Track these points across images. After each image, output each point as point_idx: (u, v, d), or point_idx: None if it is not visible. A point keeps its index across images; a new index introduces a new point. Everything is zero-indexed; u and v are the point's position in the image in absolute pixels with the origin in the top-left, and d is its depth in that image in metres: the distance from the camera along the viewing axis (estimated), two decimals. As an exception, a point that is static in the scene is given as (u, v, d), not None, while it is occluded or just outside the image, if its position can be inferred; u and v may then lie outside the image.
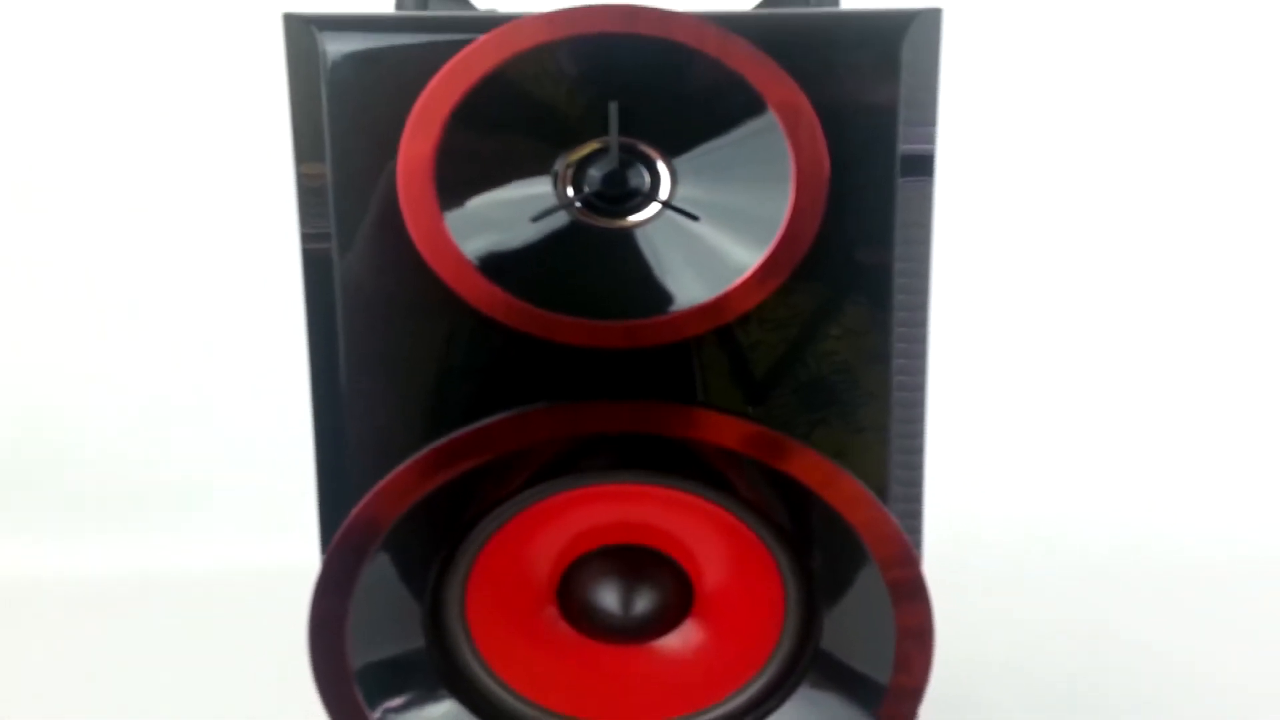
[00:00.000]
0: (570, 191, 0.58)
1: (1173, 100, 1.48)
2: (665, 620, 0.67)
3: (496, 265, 0.58)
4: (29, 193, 1.42)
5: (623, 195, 0.58)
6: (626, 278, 0.59)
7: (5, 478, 1.44)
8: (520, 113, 0.57)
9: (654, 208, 0.59)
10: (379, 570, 0.62)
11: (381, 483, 0.60)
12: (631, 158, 0.58)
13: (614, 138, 0.57)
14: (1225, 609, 1.20)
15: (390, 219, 0.59)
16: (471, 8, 0.71)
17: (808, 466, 0.60)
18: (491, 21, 0.57)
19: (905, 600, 0.62)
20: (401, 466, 0.60)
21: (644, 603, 0.66)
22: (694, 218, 0.58)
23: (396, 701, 0.64)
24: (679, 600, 0.67)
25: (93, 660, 1.10)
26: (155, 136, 1.40)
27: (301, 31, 0.59)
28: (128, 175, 1.41)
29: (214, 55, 1.39)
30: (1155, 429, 1.51)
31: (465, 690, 0.66)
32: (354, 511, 0.61)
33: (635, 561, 0.66)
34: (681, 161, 0.59)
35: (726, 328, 0.61)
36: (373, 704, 0.63)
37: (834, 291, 0.61)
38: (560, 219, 0.58)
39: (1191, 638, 1.12)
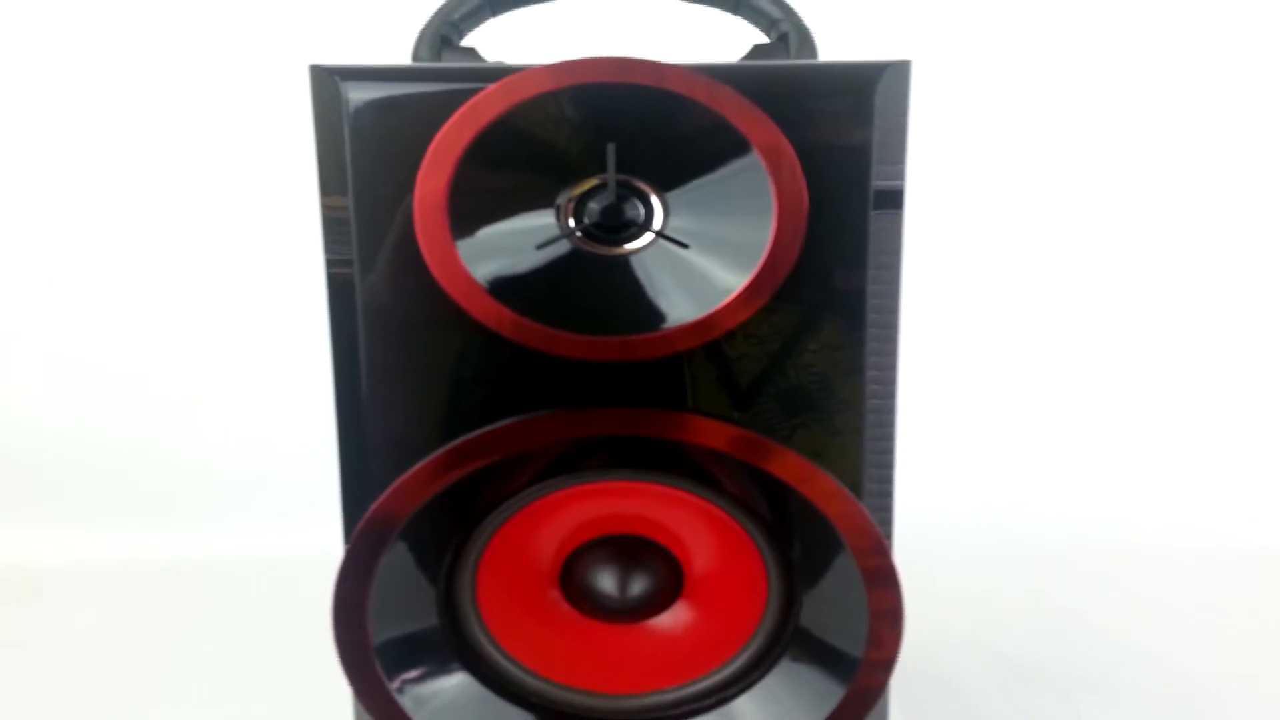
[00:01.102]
0: (571, 222, 0.62)
1: (1134, 111, 1.53)
2: (658, 601, 0.71)
3: (504, 287, 0.62)
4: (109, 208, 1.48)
5: (619, 226, 0.62)
6: (623, 298, 0.63)
7: (52, 469, 1.50)
8: (526, 152, 0.61)
9: (648, 237, 0.63)
10: (397, 557, 0.66)
11: (399, 479, 0.64)
12: (628, 192, 0.62)
13: (612, 175, 0.61)
14: (1166, 590, 1.26)
15: (407, 246, 0.62)
16: (481, 59, 0.74)
17: (788, 466, 0.64)
18: (500, 72, 0.61)
19: (877, 585, 0.66)
20: (418, 465, 0.64)
21: (639, 585, 0.70)
22: (684, 245, 0.62)
23: (413, 674, 0.68)
24: (671, 584, 0.71)
25: (122, 644, 1.15)
26: (192, 171, 1.48)
27: (326, 81, 0.62)
28: (166, 203, 1.48)
29: (251, 100, 1.45)
30: (1101, 430, 1.58)
31: (475, 663, 0.70)
32: (374, 505, 0.64)
33: (631, 549, 0.70)
34: (673, 196, 0.62)
35: (714, 343, 0.65)
36: (392, 676, 0.67)
37: (812, 311, 0.65)
38: (562, 246, 0.62)
39: (1135, 616, 1.18)
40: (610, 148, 0.61)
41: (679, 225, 0.63)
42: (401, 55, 0.75)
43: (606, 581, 0.70)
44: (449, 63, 0.73)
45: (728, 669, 0.72)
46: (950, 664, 1.05)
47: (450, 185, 0.61)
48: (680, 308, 0.63)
